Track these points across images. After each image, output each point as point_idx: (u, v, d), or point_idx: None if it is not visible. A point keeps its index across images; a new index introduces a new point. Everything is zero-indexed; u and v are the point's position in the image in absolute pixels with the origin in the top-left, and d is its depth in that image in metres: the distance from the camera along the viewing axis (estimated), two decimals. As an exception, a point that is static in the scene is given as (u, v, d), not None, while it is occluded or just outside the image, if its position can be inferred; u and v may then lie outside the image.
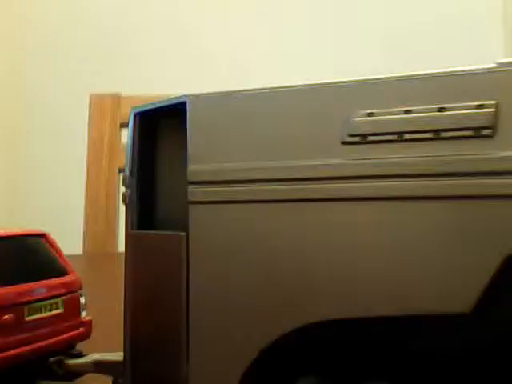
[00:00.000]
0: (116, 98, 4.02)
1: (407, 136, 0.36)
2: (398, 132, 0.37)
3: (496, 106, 0.34)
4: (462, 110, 0.35)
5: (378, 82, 0.37)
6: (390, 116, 0.37)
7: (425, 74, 0.36)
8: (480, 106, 0.35)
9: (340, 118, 0.38)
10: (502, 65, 0.34)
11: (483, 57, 4.10)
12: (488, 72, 0.35)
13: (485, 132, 0.34)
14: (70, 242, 3.94)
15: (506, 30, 4.09)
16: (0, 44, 3.97)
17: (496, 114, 0.34)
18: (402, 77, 0.37)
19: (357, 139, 0.37)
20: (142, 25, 3.99)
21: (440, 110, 0.36)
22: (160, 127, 0.45)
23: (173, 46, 4.01)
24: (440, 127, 0.35)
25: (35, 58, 3.97)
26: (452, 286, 0.33)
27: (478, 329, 0.33)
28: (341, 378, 0.36)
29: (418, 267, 0.34)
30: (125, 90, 3.93)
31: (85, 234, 4.07)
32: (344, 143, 0.38)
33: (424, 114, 0.36)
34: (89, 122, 3.88)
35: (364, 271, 0.36)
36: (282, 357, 0.38)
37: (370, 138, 0.37)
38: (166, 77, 3.99)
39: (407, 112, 0.36)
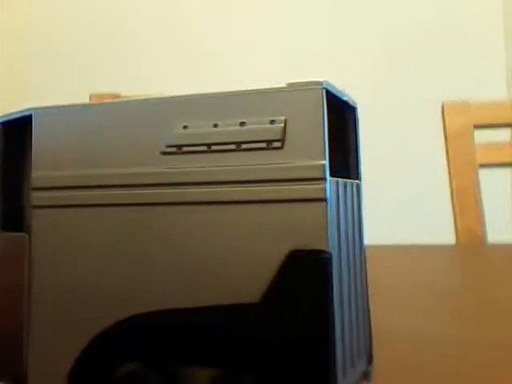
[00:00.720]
0: (116, 98, 4.09)
1: (214, 147, 0.39)
2: (207, 143, 0.40)
3: (285, 121, 0.38)
4: (258, 125, 0.38)
5: (192, 98, 0.41)
6: (201, 129, 0.40)
7: (230, 92, 0.40)
8: (272, 122, 0.38)
9: (161, 130, 0.41)
10: (290, 85, 0.38)
11: (483, 57, 4.09)
12: (279, 91, 0.38)
13: (275, 144, 0.38)
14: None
15: (506, 30, 4.08)
16: None
17: (284, 129, 0.38)
18: (212, 94, 0.40)
19: (173, 150, 0.40)
20: (142, 25, 4.04)
21: (241, 124, 0.39)
22: (22, 136, 0.49)
23: (173, 46, 4.05)
24: (241, 140, 0.39)
25: (35, 57, 4.03)
26: (244, 280, 0.37)
27: (266, 320, 0.36)
28: (160, 363, 0.39)
29: (216, 264, 0.38)
30: (125, 90, 3.98)
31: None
32: (163, 153, 0.41)
33: (228, 127, 0.39)
34: (89, 121, 3.93)
35: (172, 269, 0.39)
36: (110, 346, 0.41)
37: (185, 149, 0.40)
38: (166, 77, 4.03)
39: (215, 126, 0.40)
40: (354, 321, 0.41)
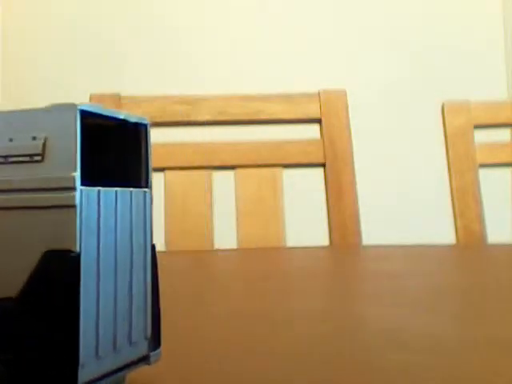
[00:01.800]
0: (116, 98, 4.11)
1: None
2: None
3: (45, 138, 0.43)
4: (23, 141, 0.43)
5: None
6: None
7: (0, 112, 0.44)
8: (34, 138, 0.43)
9: None
10: (52, 106, 0.43)
11: (483, 57, 4.08)
12: (41, 112, 0.43)
13: (36, 158, 0.43)
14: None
15: (506, 30, 4.06)
16: None
17: (44, 145, 0.43)
18: None
19: None
20: (141, 25, 4.10)
21: (10, 140, 0.44)
22: None
23: (173, 46, 4.10)
24: (8, 154, 0.44)
25: (35, 57, 4.11)
26: (8, 277, 0.43)
27: (21, 313, 0.42)
28: None
29: None
30: (125, 90, 4.05)
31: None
32: None
33: None
34: (90, 121, 4.00)
35: None
36: None
37: None
38: (166, 77, 4.09)
39: None
40: (122, 312, 0.46)
